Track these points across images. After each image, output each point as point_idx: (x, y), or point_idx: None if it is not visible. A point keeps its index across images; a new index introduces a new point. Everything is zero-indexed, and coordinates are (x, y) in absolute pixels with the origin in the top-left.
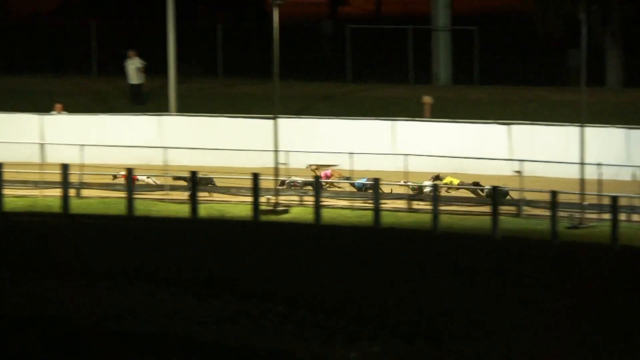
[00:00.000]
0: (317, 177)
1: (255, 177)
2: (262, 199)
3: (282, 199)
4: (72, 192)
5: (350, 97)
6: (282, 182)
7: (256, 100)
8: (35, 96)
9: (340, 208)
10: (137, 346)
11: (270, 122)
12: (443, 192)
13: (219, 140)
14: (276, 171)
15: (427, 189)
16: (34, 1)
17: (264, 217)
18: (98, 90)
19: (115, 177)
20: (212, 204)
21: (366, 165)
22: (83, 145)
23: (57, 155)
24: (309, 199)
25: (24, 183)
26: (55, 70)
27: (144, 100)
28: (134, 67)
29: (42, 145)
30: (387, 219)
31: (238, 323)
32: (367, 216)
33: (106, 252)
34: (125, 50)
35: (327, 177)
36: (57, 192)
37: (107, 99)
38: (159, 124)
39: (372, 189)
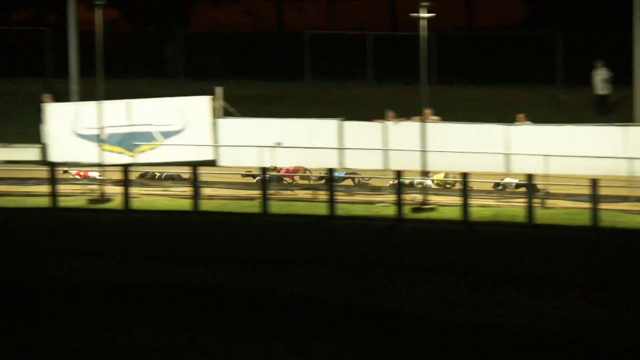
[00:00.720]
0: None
1: None
2: None
3: None
4: (536, 202)
5: None
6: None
7: None
8: (500, 107)
9: None
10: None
11: None
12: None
13: None
14: None
15: (421, 184)
16: (499, 14)
17: None
18: (563, 100)
19: (65, 172)
20: None
21: None
22: (547, 155)
23: (522, 165)
24: None
25: (489, 193)
26: (520, 81)
27: (610, 111)
28: (600, 78)
29: (506, 155)
30: None
31: None
32: None
33: (570, 263)
34: (591, 61)
35: (289, 171)
36: (521, 201)
37: (572, 109)
38: (624, 134)
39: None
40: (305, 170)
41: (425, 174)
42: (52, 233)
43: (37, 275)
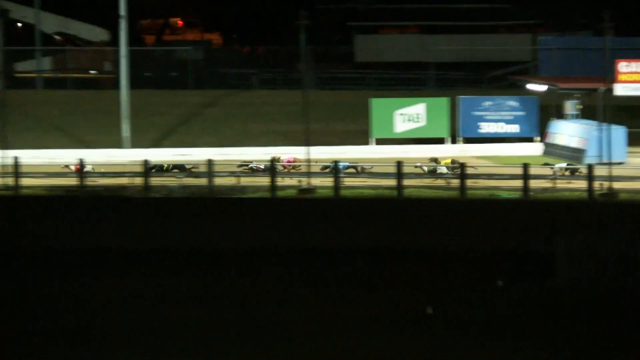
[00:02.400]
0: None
1: None
2: None
3: None
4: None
5: None
6: (247, 166)
7: None
8: None
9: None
10: None
11: None
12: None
13: None
14: None
15: (439, 170)
16: None
17: None
18: None
19: (66, 166)
20: None
21: None
22: None
23: None
24: None
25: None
26: None
27: None
28: None
29: None
30: None
31: None
32: None
33: None
34: None
35: (290, 162)
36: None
37: None
38: None
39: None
40: (296, 160)
41: (434, 160)
42: None
43: None
